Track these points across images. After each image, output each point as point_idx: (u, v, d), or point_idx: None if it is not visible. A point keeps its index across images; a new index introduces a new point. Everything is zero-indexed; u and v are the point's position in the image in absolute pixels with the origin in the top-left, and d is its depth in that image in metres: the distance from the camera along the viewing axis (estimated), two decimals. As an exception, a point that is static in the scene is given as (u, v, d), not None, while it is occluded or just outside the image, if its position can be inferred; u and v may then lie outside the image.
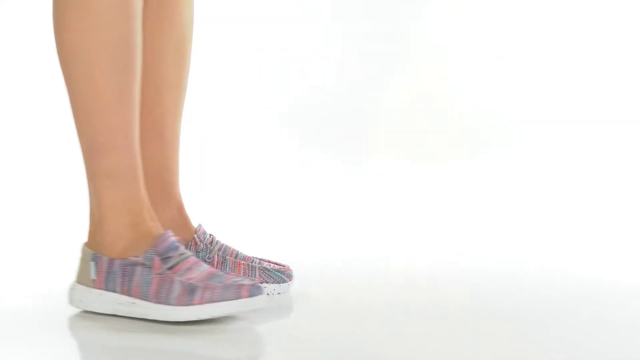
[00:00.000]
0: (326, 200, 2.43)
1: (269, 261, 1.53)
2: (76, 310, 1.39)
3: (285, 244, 1.97)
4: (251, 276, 1.48)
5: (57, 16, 1.35)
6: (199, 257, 1.48)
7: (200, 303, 1.30)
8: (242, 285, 1.31)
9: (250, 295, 1.31)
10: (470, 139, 2.70)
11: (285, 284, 1.50)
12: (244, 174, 2.57)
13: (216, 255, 1.50)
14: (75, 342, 1.32)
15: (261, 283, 1.48)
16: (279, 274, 1.50)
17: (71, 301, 1.38)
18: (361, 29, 2.81)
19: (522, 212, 2.33)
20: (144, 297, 1.32)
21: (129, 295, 1.33)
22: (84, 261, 1.37)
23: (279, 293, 1.49)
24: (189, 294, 1.30)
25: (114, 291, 1.34)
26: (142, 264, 1.33)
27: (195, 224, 1.52)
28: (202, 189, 2.36)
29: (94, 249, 1.37)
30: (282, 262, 1.54)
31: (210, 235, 1.52)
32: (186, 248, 1.48)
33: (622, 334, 1.34)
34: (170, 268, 1.33)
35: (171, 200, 1.50)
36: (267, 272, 1.49)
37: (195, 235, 1.50)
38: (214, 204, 2.32)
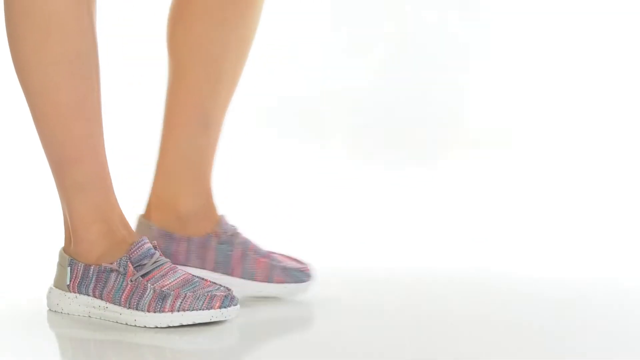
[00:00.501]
0: (326, 199, 2.42)
1: (290, 257, 1.50)
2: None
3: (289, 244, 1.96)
4: (271, 275, 1.47)
5: (9, 26, 1.33)
6: (221, 249, 1.47)
7: (171, 311, 1.31)
8: (215, 295, 1.32)
9: (222, 307, 1.32)
10: (465, 138, 2.70)
11: (304, 284, 1.48)
12: (242, 174, 2.56)
13: (237, 249, 1.48)
14: (54, 337, 1.36)
15: (281, 282, 1.46)
16: (299, 273, 1.48)
17: (49, 304, 1.40)
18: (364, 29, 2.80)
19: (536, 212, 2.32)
20: (116, 302, 1.33)
21: (101, 299, 1.35)
22: (61, 266, 1.39)
23: (298, 292, 1.48)
24: (160, 301, 1.31)
25: (87, 295, 1.36)
26: (116, 271, 1.33)
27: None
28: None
29: (70, 255, 1.38)
30: (302, 260, 1.51)
31: (233, 227, 1.50)
32: (208, 238, 1.47)
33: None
34: (144, 275, 1.33)
35: (202, 190, 1.50)
36: (286, 271, 1.47)
37: (217, 227, 1.48)
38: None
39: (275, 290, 1.46)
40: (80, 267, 1.36)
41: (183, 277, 1.35)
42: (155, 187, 1.51)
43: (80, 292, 1.36)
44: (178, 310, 1.31)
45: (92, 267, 1.35)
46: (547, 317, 1.42)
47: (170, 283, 1.33)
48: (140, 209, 1.52)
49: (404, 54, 2.81)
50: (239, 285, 1.44)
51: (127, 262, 1.33)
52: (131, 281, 1.33)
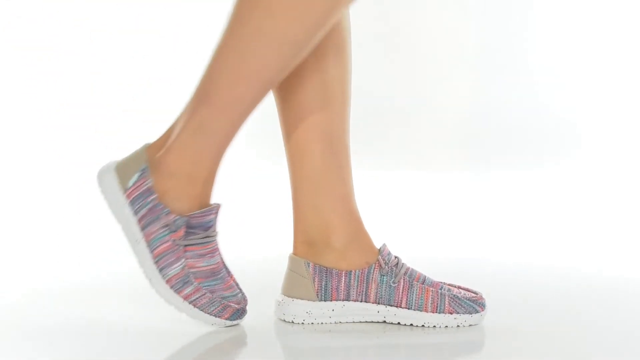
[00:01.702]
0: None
1: (459, 287, 1.39)
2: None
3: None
4: (440, 305, 1.35)
5: None
6: (383, 281, 1.36)
7: (184, 299, 1.29)
8: (229, 306, 1.31)
9: (230, 319, 1.31)
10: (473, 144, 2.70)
11: (477, 315, 1.35)
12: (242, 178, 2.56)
13: (402, 280, 1.35)
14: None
15: (451, 313, 1.35)
16: (471, 303, 1.35)
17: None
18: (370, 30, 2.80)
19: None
20: (149, 248, 1.29)
21: (142, 230, 1.30)
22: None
23: (470, 325, 1.35)
24: (181, 284, 1.29)
25: (134, 214, 1.30)
26: (168, 224, 1.28)
27: (378, 243, 1.39)
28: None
29: (148, 162, 1.30)
30: (473, 289, 1.39)
31: (396, 257, 1.37)
32: (370, 271, 1.36)
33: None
34: (187, 245, 1.30)
35: (351, 215, 1.38)
36: (457, 300, 1.35)
37: (379, 257, 1.36)
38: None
39: (446, 320, 1.35)
40: (148, 182, 1.30)
41: (214, 266, 1.31)
42: (297, 221, 1.39)
43: (132, 205, 1.30)
44: (190, 303, 1.29)
45: (153, 196, 1.29)
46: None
47: (200, 267, 1.30)
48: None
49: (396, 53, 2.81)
50: (407, 317, 1.35)
51: (182, 224, 1.29)
52: (173, 241, 1.29)
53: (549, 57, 2.77)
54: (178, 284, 1.29)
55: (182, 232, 1.29)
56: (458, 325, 1.35)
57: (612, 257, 1.93)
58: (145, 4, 2.62)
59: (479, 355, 1.30)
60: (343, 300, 1.35)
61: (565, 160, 2.63)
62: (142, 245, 1.30)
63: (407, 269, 1.37)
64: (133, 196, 1.30)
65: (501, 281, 1.68)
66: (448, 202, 2.45)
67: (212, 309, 1.30)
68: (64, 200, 2.29)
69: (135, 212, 1.30)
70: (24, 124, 2.57)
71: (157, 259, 1.29)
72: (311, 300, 1.35)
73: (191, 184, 1.30)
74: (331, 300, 1.35)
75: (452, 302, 1.35)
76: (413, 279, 1.36)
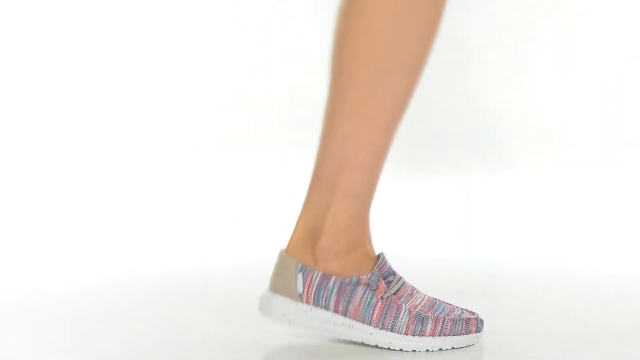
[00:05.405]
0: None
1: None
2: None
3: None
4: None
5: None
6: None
7: (432, 335, 1.24)
8: (470, 319, 1.26)
9: (477, 331, 1.26)
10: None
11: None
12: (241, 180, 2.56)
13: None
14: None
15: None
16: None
17: (269, 312, 1.25)
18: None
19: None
20: (365, 321, 1.23)
21: (346, 316, 1.24)
22: (287, 271, 1.25)
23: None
24: (420, 324, 1.24)
25: (326, 309, 1.24)
26: (367, 285, 1.24)
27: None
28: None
29: (301, 260, 1.25)
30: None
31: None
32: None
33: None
34: (395, 293, 1.25)
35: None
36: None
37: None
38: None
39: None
40: (317, 275, 1.24)
41: (427, 298, 1.27)
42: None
43: (316, 305, 1.24)
44: (439, 335, 1.24)
45: (334, 278, 1.24)
46: None
47: (420, 304, 1.26)
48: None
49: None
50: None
51: (379, 277, 1.24)
52: (382, 298, 1.24)
53: (549, 57, 2.77)
54: (417, 327, 1.24)
55: (383, 284, 1.24)
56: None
57: (603, 255, 1.92)
58: (146, 4, 2.62)
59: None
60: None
61: (552, 163, 2.61)
62: (358, 324, 1.24)
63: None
64: (312, 296, 1.24)
65: (497, 282, 1.69)
66: (448, 202, 2.45)
67: (459, 328, 1.25)
68: (63, 200, 2.29)
69: (326, 307, 1.24)
70: (23, 124, 2.56)
71: (381, 322, 1.24)
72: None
73: (355, 248, 1.25)
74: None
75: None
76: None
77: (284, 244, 1.27)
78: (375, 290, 1.23)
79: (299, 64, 2.74)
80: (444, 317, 1.24)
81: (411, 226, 2.20)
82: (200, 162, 2.49)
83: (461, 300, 1.37)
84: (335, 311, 1.23)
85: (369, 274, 1.23)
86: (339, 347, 1.25)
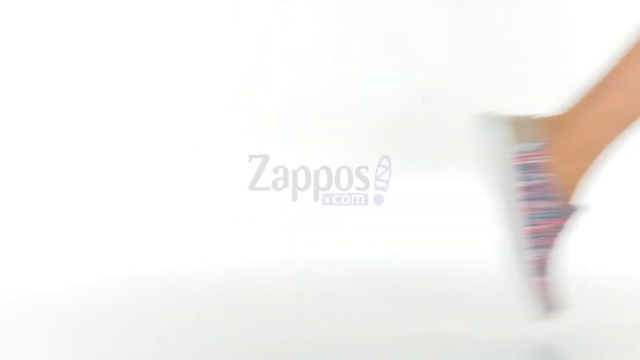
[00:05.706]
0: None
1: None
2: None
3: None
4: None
5: None
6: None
7: (536, 286, 1.21)
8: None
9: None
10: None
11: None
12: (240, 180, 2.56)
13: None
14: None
15: None
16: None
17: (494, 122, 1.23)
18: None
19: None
20: (523, 221, 1.20)
21: (520, 200, 1.20)
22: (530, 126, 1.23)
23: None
24: (539, 270, 1.21)
25: (516, 179, 1.21)
26: (558, 209, 1.20)
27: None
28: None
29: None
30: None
31: None
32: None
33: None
34: (559, 236, 1.23)
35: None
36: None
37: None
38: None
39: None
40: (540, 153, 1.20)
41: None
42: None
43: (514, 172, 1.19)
44: (539, 291, 1.22)
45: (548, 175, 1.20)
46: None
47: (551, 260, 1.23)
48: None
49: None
50: None
51: (569, 215, 1.20)
52: (554, 226, 1.20)
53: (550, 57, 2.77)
54: (535, 270, 1.21)
55: (563, 222, 1.20)
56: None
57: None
58: (145, 4, 2.62)
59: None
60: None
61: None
62: (514, 214, 1.19)
63: None
64: (522, 163, 1.20)
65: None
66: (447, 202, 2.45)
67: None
68: (63, 200, 2.29)
69: (519, 179, 1.20)
70: (23, 124, 2.56)
71: (529, 237, 1.19)
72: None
73: (577, 175, 1.21)
74: None
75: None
76: None
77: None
78: (557, 218, 1.19)
79: (299, 64, 2.74)
80: None
81: (422, 225, 2.22)
82: (200, 162, 2.49)
83: (461, 300, 1.37)
84: (519, 190, 1.20)
85: (569, 205, 1.19)
86: (339, 346, 1.25)
